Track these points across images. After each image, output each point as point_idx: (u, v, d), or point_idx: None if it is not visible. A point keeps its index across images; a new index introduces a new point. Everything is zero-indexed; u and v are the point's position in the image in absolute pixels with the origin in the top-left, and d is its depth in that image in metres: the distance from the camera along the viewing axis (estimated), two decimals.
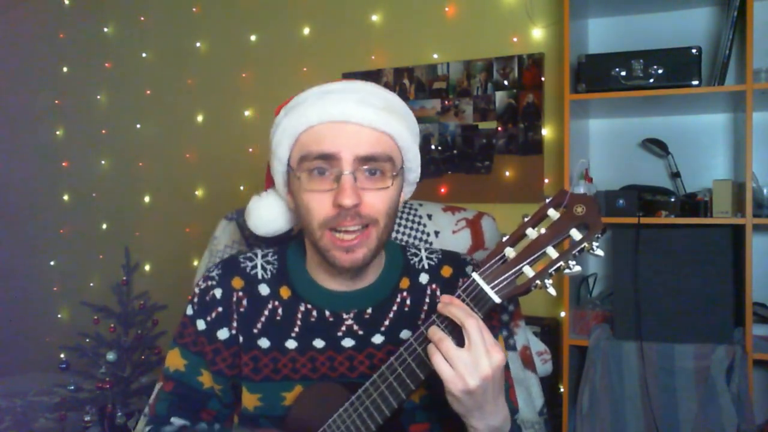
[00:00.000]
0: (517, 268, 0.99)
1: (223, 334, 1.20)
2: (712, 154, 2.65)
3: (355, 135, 1.08)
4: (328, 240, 1.09)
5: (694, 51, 2.31)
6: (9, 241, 4.31)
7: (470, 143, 3.03)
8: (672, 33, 2.61)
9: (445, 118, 3.08)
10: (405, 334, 1.18)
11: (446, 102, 3.08)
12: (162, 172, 3.84)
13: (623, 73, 2.35)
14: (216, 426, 1.24)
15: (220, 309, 1.20)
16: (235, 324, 1.20)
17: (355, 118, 1.08)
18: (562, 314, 2.51)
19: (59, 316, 4.18)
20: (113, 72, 4.00)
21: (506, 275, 1.00)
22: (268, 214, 1.23)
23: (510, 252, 1.00)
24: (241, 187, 3.54)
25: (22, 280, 4.28)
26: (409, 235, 1.55)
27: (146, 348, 3.25)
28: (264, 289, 1.21)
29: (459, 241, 1.56)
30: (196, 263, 3.55)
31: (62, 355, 3.52)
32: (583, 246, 0.96)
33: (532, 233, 0.99)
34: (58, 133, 4.19)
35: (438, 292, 1.22)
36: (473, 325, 0.96)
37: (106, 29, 4.01)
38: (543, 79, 2.89)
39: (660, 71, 2.33)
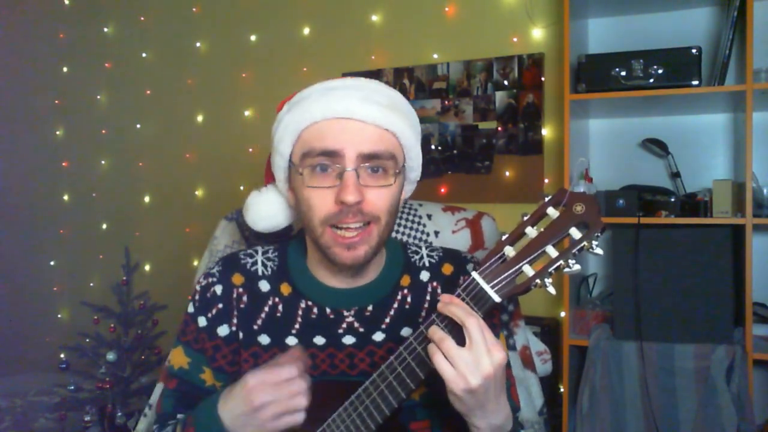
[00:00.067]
0: (517, 267, 0.99)
1: (223, 330, 1.20)
2: (712, 154, 2.65)
3: (359, 132, 1.08)
4: (329, 237, 1.09)
5: (694, 51, 2.31)
6: (9, 241, 4.31)
7: (470, 143, 3.03)
8: (672, 33, 2.61)
9: (445, 118, 3.08)
10: (406, 331, 1.19)
11: (446, 102, 3.08)
12: (162, 172, 3.84)
13: (623, 73, 2.35)
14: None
15: (220, 305, 1.20)
16: (235, 321, 1.20)
17: (358, 115, 1.08)
18: (562, 314, 2.51)
19: (59, 316, 4.18)
20: (113, 72, 4.00)
21: (506, 274, 1.00)
22: (267, 210, 1.23)
23: (509, 251, 1.00)
24: (241, 187, 3.53)
25: (22, 280, 4.28)
26: (409, 235, 1.55)
27: (146, 348, 3.25)
28: (264, 286, 1.22)
29: (459, 241, 1.56)
30: (196, 263, 3.55)
31: (62, 355, 3.51)
32: (582, 245, 0.96)
33: (531, 232, 0.99)
34: (58, 133, 4.19)
35: (439, 290, 1.22)
36: (474, 324, 0.96)
37: (106, 29, 4.01)
38: (543, 79, 2.89)
39: (660, 71, 2.33)
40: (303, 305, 1.19)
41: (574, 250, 0.96)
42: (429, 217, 1.58)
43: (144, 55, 3.88)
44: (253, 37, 3.56)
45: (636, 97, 2.38)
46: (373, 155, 1.08)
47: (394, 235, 1.51)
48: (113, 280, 3.39)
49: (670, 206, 2.38)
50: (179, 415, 1.22)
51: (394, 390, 1.04)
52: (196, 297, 1.22)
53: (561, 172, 2.63)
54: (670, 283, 2.26)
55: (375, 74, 3.20)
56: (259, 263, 1.24)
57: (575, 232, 0.96)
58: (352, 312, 1.19)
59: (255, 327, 1.19)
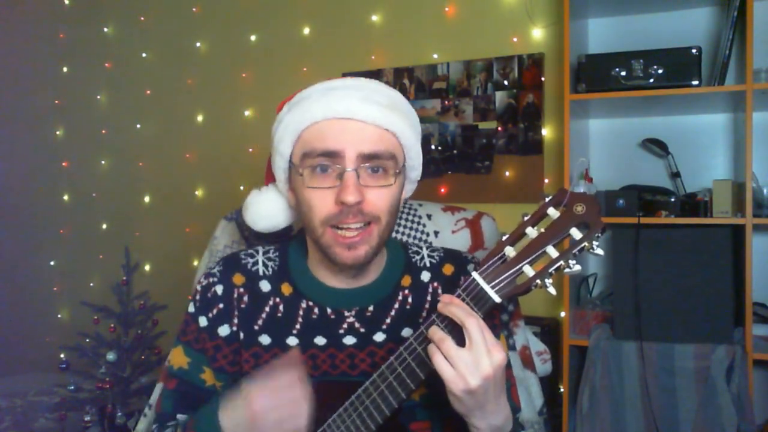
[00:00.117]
0: (517, 267, 0.99)
1: (223, 330, 1.20)
2: (712, 154, 2.65)
3: (359, 132, 1.08)
4: (329, 237, 1.09)
5: (694, 51, 2.31)
6: (9, 241, 4.31)
7: (470, 143, 3.03)
8: (672, 33, 2.61)
9: (445, 118, 3.08)
10: (406, 332, 1.18)
11: (446, 102, 3.08)
12: (162, 172, 3.84)
13: (623, 73, 2.35)
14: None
15: (221, 305, 1.20)
16: (235, 321, 1.20)
17: (358, 116, 1.08)
18: (562, 314, 2.51)
19: (59, 316, 4.18)
20: (113, 72, 4.00)
21: (506, 274, 1.00)
22: (267, 210, 1.23)
23: (510, 251, 1.00)
24: (241, 187, 3.53)
25: (22, 280, 4.28)
26: (409, 235, 1.55)
27: (146, 348, 3.25)
28: (265, 286, 1.21)
29: (458, 241, 1.56)
30: (196, 263, 3.55)
31: (62, 355, 3.52)
32: (583, 245, 0.96)
33: (531, 232, 0.99)
34: (58, 133, 4.19)
35: (439, 290, 1.22)
36: (474, 324, 0.96)
37: (106, 29, 4.01)
38: (543, 79, 2.89)
39: (660, 71, 2.33)
40: (304, 305, 1.19)
41: (574, 251, 0.96)
42: (429, 217, 1.58)
43: (144, 55, 3.88)
44: (253, 37, 3.56)
45: (636, 97, 2.38)
46: (373, 155, 1.08)
47: (394, 235, 1.51)
48: (113, 280, 3.39)
49: (670, 206, 2.38)
50: (179, 416, 1.22)
51: (394, 390, 1.04)
52: (197, 297, 1.22)
53: (561, 172, 2.63)
54: (670, 283, 2.26)
55: (375, 74, 3.20)
56: (260, 263, 1.23)
57: (576, 233, 0.96)
58: (353, 312, 1.19)
59: (256, 327, 1.19)
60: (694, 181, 2.59)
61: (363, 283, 1.19)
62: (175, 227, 3.77)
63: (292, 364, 1.04)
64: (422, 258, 1.25)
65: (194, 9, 3.71)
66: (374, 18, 3.24)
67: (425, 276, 1.23)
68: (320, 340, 1.18)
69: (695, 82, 2.30)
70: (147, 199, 3.90)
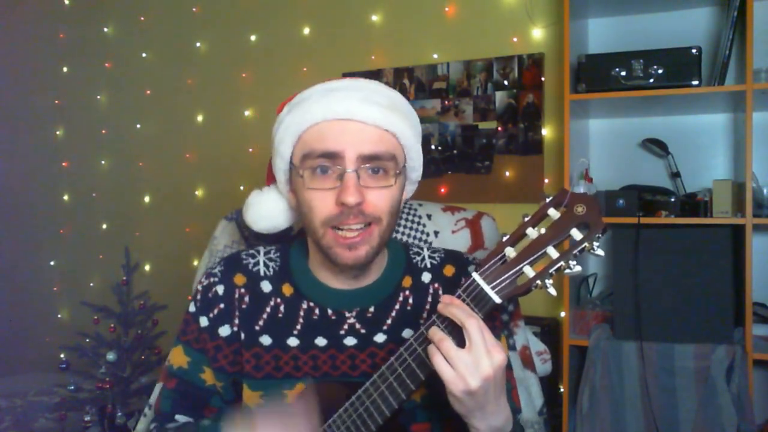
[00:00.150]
0: (518, 268, 0.99)
1: (224, 331, 1.20)
2: (712, 154, 2.65)
3: (359, 133, 1.08)
4: (330, 238, 1.09)
5: (694, 51, 2.31)
6: (9, 241, 4.31)
7: (470, 143, 3.03)
8: (672, 33, 2.61)
9: (445, 118, 3.08)
10: (407, 332, 1.18)
11: (446, 102, 3.08)
12: (162, 172, 3.84)
13: (623, 73, 2.36)
14: (220, 418, 1.24)
15: (222, 306, 1.20)
16: (236, 321, 1.20)
17: (358, 116, 1.08)
18: (562, 314, 2.51)
19: (59, 316, 4.18)
20: (113, 72, 4.00)
21: (507, 275, 1.00)
22: (267, 210, 1.23)
23: (510, 252, 1.00)
24: (241, 187, 3.53)
25: (22, 280, 4.28)
26: (409, 235, 1.55)
27: (146, 348, 3.24)
28: (266, 286, 1.21)
29: (458, 241, 1.56)
30: (196, 263, 3.55)
31: (62, 355, 3.52)
32: (583, 246, 0.96)
33: (532, 233, 0.99)
34: (58, 133, 4.19)
35: (440, 292, 1.22)
36: (474, 325, 0.96)
37: (106, 29, 4.01)
38: (543, 79, 2.89)
39: (660, 71, 2.33)
40: (305, 306, 1.19)
41: (575, 251, 0.96)
42: (429, 217, 1.58)
43: (144, 55, 3.88)
44: (253, 37, 3.56)
45: (636, 97, 2.38)
46: (373, 156, 1.08)
47: (394, 235, 1.51)
48: (113, 280, 3.39)
49: (670, 206, 2.38)
50: (178, 416, 1.22)
51: (395, 391, 1.04)
52: (198, 297, 1.22)
53: (561, 172, 2.63)
54: (670, 283, 2.26)
55: (375, 74, 3.20)
56: (261, 264, 1.24)
57: (576, 233, 0.96)
58: (354, 313, 1.19)
59: (257, 328, 1.19)
60: (694, 181, 2.59)
61: (364, 284, 1.19)
62: (175, 227, 3.77)
63: (305, 405, 1.05)
64: (423, 259, 1.25)
65: (194, 9, 3.71)
66: (374, 18, 3.24)
67: (426, 277, 1.23)
68: (321, 341, 1.18)
69: (695, 82, 2.30)
70: (147, 199, 3.90)
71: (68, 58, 4.13)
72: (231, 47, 3.61)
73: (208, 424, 1.14)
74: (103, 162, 4.03)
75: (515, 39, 2.95)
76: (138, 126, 3.91)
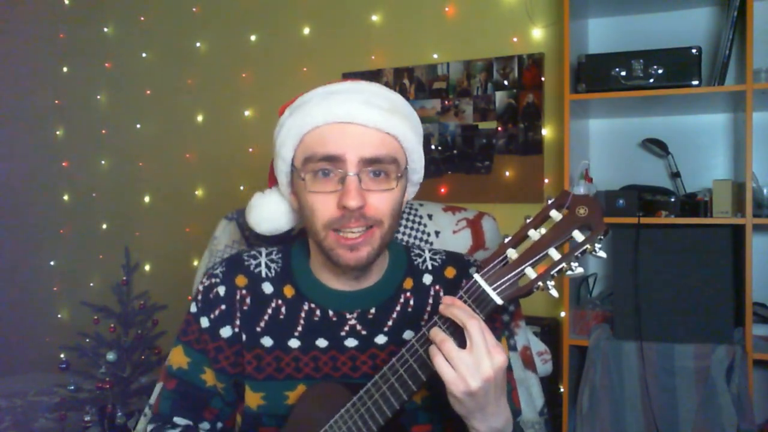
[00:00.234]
0: (519, 269, 0.99)
1: (225, 332, 1.20)
2: (712, 154, 2.65)
3: (360, 136, 1.08)
4: (332, 240, 1.09)
5: (694, 51, 2.31)
6: (9, 241, 4.31)
7: (470, 143, 3.03)
8: (672, 33, 2.61)
9: (445, 118, 3.08)
10: (408, 334, 1.18)
11: (446, 102, 3.08)
12: (162, 172, 3.84)
13: (623, 73, 2.36)
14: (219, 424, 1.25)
15: (223, 307, 1.20)
16: (238, 322, 1.20)
17: (360, 119, 1.08)
18: (562, 314, 2.51)
19: (59, 316, 4.18)
20: (113, 72, 4.00)
21: (508, 277, 1.00)
22: (269, 213, 1.23)
23: (512, 253, 1.00)
24: (241, 187, 3.54)
25: (22, 280, 4.28)
26: (410, 236, 1.55)
27: (146, 348, 3.24)
28: (268, 288, 1.21)
29: (459, 241, 1.56)
30: (196, 263, 3.55)
31: (62, 355, 3.52)
32: (585, 248, 0.96)
33: (534, 234, 0.99)
34: (58, 133, 4.19)
35: (441, 293, 1.22)
36: (475, 326, 0.96)
37: (106, 29, 4.01)
38: (543, 79, 2.89)
39: (660, 71, 2.33)
40: (306, 307, 1.19)
41: (576, 253, 0.96)
42: (430, 217, 1.58)
43: (144, 55, 3.88)
44: (253, 37, 3.56)
45: (636, 97, 2.38)
46: (374, 160, 1.08)
47: (395, 236, 1.51)
48: (113, 280, 3.39)
49: (670, 206, 2.38)
50: (177, 419, 1.22)
51: (396, 392, 1.04)
52: (199, 297, 1.22)
53: (561, 172, 2.64)
54: (670, 283, 2.27)
55: (375, 74, 3.20)
56: (263, 265, 1.24)
57: (578, 235, 0.96)
58: (355, 314, 1.19)
59: (258, 329, 1.19)
60: (694, 181, 2.59)
61: (365, 286, 1.19)
62: (175, 227, 3.77)
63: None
64: (424, 261, 1.25)
65: (194, 9, 3.71)
66: (374, 18, 3.24)
67: (427, 279, 1.23)
68: (322, 342, 1.18)
69: (695, 82, 2.30)
70: (147, 199, 3.90)
71: (68, 58, 4.13)
72: (231, 47, 3.61)
73: None
74: (103, 162, 4.03)
75: (515, 39, 2.95)
76: (138, 126, 3.91)
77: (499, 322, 1.27)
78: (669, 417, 2.24)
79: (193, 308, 1.23)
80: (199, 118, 3.71)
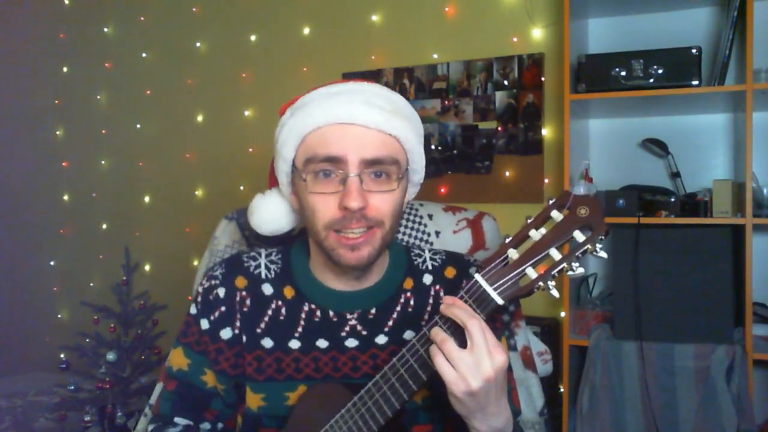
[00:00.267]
0: (520, 269, 0.99)
1: (226, 333, 1.20)
2: (712, 154, 2.65)
3: (361, 137, 1.08)
4: (333, 240, 1.09)
5: (694, 51, 2.31)
6: (9, 241, 4.31)
7: (470, 143, 3.03)
8: (672, 33, 2.61)
9: (445, 118, 3.08)
10: (408, 334, 1.19)
11: (446, 102, 3.08)
12: (162, 172, 3.84)
13: (623, 73, 2.36)
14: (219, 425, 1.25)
15: (223, 308, 1.20)
16: (238, 324, 1.20)
17: (361, 120, 1.08)
18: (562, 314, 2.51)
19: (59, 316, 4.18)
20: (113, 72, 4.00)
21: (509, 277, 1.00)
22: (271, 213, 1.23)
23: (513, 253, 1.00)
24: (241, 187, 3.54)
25: (22, 280, 4.28)
26: (410, 236, 1.55)
27: (146, 348, 3.24)
28: (267, 289, 1.21)
29: (460, 241, 1.56)
30: (196, 263, 3.55)
31: (62, 355, 3.52)
32: (586, 248, 0.96)
33: (535, 235, 0.99)
34: (58, 133, 4.19)
35: (441, 293, 1.22)
36: (476, 326, 0.96)
37: (106, 29, 4.01)
38: (543, 79, 2.89)
39: (660, 71, 2.33)
40: (306, 308, 1.19)
41: (577, 253, 0.96)
42: (430, 217, 1.58)
43: (144, 55, 3.88)
44: (253, 37, 3.56)
45: (636, 97, 2.38)
46: (376, 161, 1.08)
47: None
48: (113, 280, 3.39)
49: (670, 206, 2.38)
50: (177, 419, 1.22)
51: (397, 392, 1.04)
52: (199, 299, 1.22)
53: (561, 172, 2.64)
54: (670, 283, 2.27)
55: (375, 74, 3.21)
56: (263, 266, 1.24)
57: (579, 235, 0.96)
58: (355, 315, 1.19)
59: (258, 330, 1.19)
60: (694, 181, 2.59)
61: (365, 286, 1.19)
62: (175, 227, 3.77)
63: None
64: (424, 261, 1.25)
65: (194, 9, 3.71)
66: (374, 18, 3.24)
67: (427, 279, 1.23)
68: (322, 343, 1.18)
69: (695, 82, 2.30)
70: (147, 199, 3.90)
71: (68, 58, 4.13)
72: (231, 47, 3.61)
73: None
74: (103, 162, 4.03)
75: (515, 39, 2.96)
76: (138, 126, 3.91)
77: (500, 321, 1.27)
78: (669, 417, 2.24)
79: (193, 310, 1.23)
80: (199, 118, 3.71)
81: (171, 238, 3.77)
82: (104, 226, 4.03)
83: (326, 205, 1.08)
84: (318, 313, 1.19)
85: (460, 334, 0.98)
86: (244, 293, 1.21)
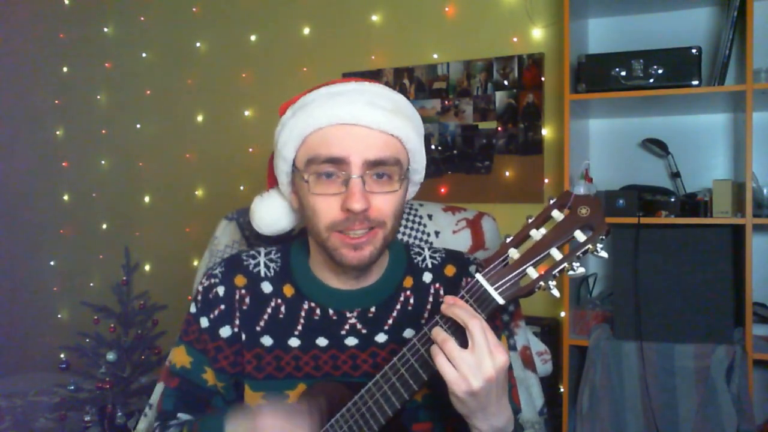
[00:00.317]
0: (521, 269, 0.99)
1: (225, 331, 1.20)
2: (712, 154, 2.65)
3: (364, 138, 1.08)
4: (335, 240, 1.09)
5: (694, 51, 2.31)
6: (9, 241, 4.31)
7: (470, 143, 3.03)
8: (672, 33, 2.61)
9: (445, 118, 3.08)
10: (408, 333, 1.19)
11: (446, 102, 3.08)
12: (162, 172, 3.84)
13: (623, 73, 2.36)
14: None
15: (222, 307, 1.20)
16: (237, 322, 1.20)
17: (363, 121, 1.08)
18: (562, 314, 2.51)
19: (59, 316, 4.18)
20: (113, 72, 4.00)
21: (510, 276, 1.00)
22: (272, 215, 1.23)
23: (514, 253, 1.00)
24: (241, 187, 3.54)
25: (22, 280, 4.28)
26: (410, 236, 1.55)
27: (146, 348, 3.24)
28: (267, 287, 1.22)
29: (459, 241, 1.56)
30: (196, 263, 3.55)
31: (62, 355, 3.52)
32: (587, 248, 0.96)
33: (536, 234, 0.99)
34: (58, 133, 4.19)
35: (441, 292, 1.22)
36: (477, 326, 0.96)
37: (106, 29, 4.01)
38: (543, 79, 2.89)
39: (660, 71, 2.33)
40: (306, 306, 1.19)
41: (578, 253, 0.96)
42: (429, 217, 1.58)
43: (144, 55, 3.88)
44: (253, 37, 3.56)
45: (636, 97, 2.38)
46: (378, 162, 1.08)
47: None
48: (113, 280, 3.39)
49: (670, 206, 2.38)
50: (180, 415, 1.22)
51: (397, 391, 1.04)
52: (198, 297, 1.23)
53: (561, 172, 2.64)
54: (670, 283, 2.27)
55: (375, 74, 3.21)
56: (262, 264, 1.24)
57: (580, 235, 0.96)
58: (355, 313, 1.19)
59: (258, 328, 1.19)
60: (694, 181, 2.59)
61: (365, 284, 1.19)
62: (175, 227, 3.77)
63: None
64: (424, 259, 1.25)
65: (194, 9, 3.71)
66: (374, 18, 3.24)
67: (427, 277, 1.23)
68: (322, 342, 1.18)
69: (695, 82, 2.30)
70: (147, 199, 3.90)
71: (68, 58, 4.13)
72: (231, 47, 3.61)
73: (210, 419, 1.15)
74: (103, 162, 4.03)
75: (515, 39, 2.96)
76: (138, 126, 3.91)
77: (499, 320, 1.27)
78: (669, 417, 2.24)
79: (193, 308, 1.23)
80: (199, 118, 3.72)
81: (171, 238, 3.77)
82: (104, 226, 4.03)
83: (329, 207, 1.08)
84: (318, 311, 1.19)
85: (461, 334, 0.98)
86: (243, 291, 1.21)
